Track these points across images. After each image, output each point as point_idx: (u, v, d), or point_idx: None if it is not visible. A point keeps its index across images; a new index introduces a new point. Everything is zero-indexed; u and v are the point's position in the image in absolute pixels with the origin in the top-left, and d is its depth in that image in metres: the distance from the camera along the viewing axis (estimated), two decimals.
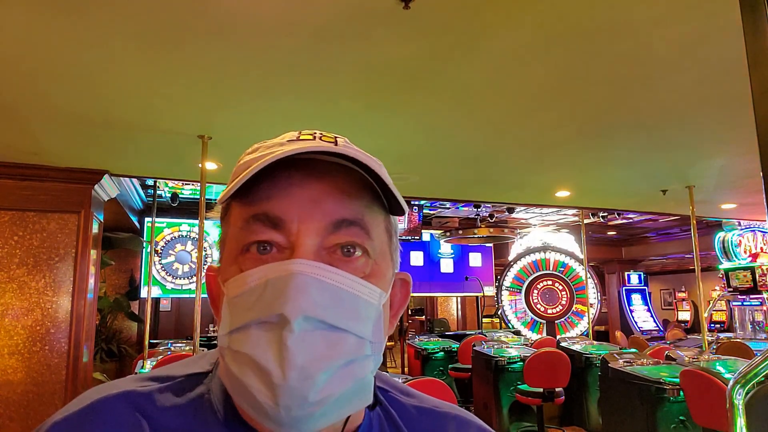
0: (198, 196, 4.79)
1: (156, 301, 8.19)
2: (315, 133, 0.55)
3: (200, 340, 4.47)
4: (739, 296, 8.81)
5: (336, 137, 0.55)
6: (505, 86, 2.66)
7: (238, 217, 0.54)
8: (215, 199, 7.07)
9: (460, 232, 8.37)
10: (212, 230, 7.81)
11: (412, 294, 0.69)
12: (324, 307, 0.48)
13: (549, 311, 9.64)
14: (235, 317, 0.50)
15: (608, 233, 10.92)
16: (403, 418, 0.64)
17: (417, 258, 9.43)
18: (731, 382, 1.43)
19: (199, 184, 3.88)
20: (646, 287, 12.36)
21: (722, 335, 8.33)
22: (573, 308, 9.62)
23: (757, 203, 5.78)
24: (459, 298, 10.73)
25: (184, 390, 0.57)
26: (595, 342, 6.63)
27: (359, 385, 0.50)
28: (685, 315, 12.58)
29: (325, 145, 0.52)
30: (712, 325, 10.36)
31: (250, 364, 0.47)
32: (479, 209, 7.93)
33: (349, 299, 0.50)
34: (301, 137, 0.55)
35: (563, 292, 9.70)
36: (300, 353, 0.46)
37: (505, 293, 9.72)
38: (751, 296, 8.60)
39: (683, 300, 12.75)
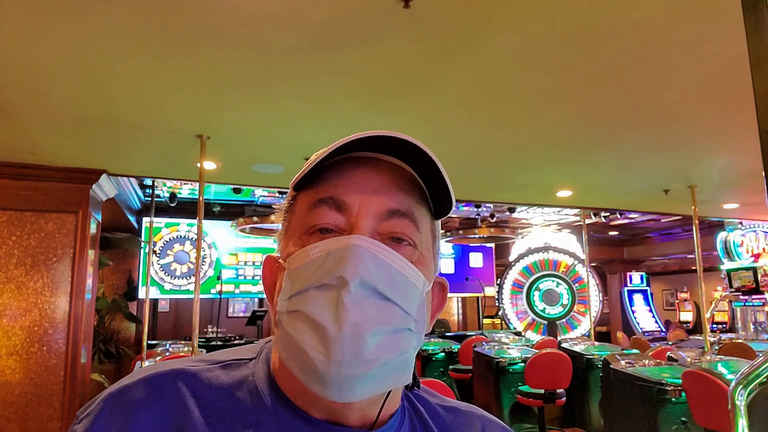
0: (197, 196, 4.77)
1: (154, 302, 8.17)
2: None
3: (199, 341, 4.46)
4: (741, 297, 8.78)
5: None
6: (507, 86, 2.64)
7: (304, 203, 0.60)
8: (214, 199, 7.07)
9: (461, 231, 8.35)
10: (211, 230, 7.82)
11: None
12: (378, 277, 0.53)
13: (550, 312, 9.61)
14: (295, 284, 0.55)
15: (610, 233, 10.89)
16: (431, 416, 0.68)
17: None
18: (733, 383, 1.41)
19: (197, 184, 3.87)
20: (648, 288, 12.33)
21: (724, 336, 8.29)
22: (575, 309, 9.60)
23: (759, 203, 5.76)
24: (459, 299, 10.71)
25: (230, 372, 0.62)
26: (596, 343, 6.61)
27: (403, 358, 0.54)
28: (687, 315, 12.55)
29: (389, 131, 0.57)
30: (714, 325, 10.33)
31: (306, 321, 0.52)
32: (480, 209, 7.91)
33: (398, 277, 0.55)
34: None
35: (565, 293, 9.67)
36: (354, 312, 0.51)
37: (507, 283, 9.67)
38: (754, 297, 8.58)
39: (685, 300, 12.72)
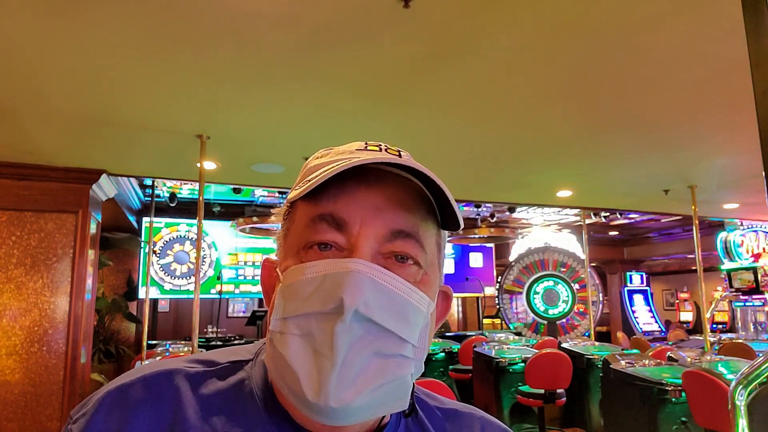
0: (196, 196, 4.77)
1: (154, 302, 8.17)
2: (381, 144, 0.60)
3: (199, 341, 4.46)
4: (741, 297, 8.78)
5: (399, 150, 0.60)
6: (507, 85, 2.64)
7: (303, 215, 0.57)
8: (214, 199, 7.07)
9: (461, 231, 8.33)
10: (211, 230, 7.81)
11: None
12: (376, 307, 0.51)
13: (550, 312, 9.61)
14: (289, 305, 0.53)
15: (610, 233, 10.90)
16: (429, 419, 0.66)
17: None
18: (733, 383, 1.42)
19: (197, 184, 3.87)
20: (648, 288, 12.33)
21: (724, 336, 8.29)
22: (575, 309, 9.59)
23: (759, 203, 5.76)
24: (459, 299, 10.71)
25: (227, 375, 0.61)
26: (596, 343, 6.60)
27: (396, 384, 0.52)
28: (687, 315, 12.54)
29: (392, 157, 0.56)
30: (714, 325, 10.32)
31: (298, 348, 0.51)
32: (480, 209, 7.91)
33: (400, 302, 0.53)
34: (368, 147, 0.59)
35: (565, 293, 9.67)
36: (347, 344, 0.49)
37: (507, 284, 9.67)
38: (754, 297, 8.58)
39: (685, 300, 12.71)
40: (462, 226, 0.59)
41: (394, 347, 0.52)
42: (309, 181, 0.56)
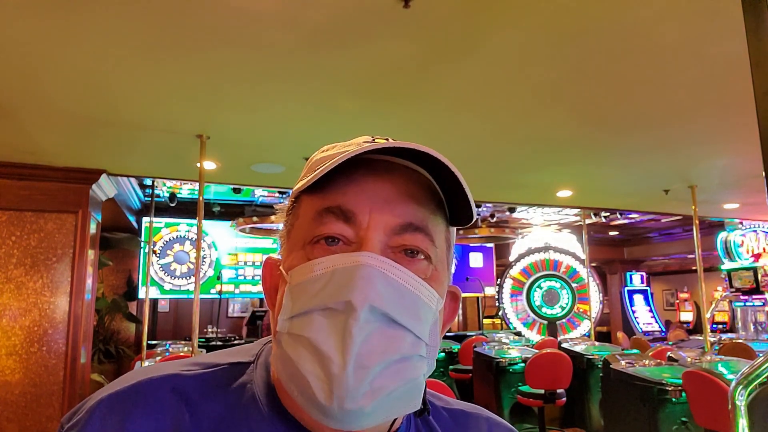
0: (196, 196, 4.77)
1: (154, 302, 8.17)
2: (388, 138, 0.58)
3: (199, 341, 4.46)
4: (741, 297, 8.77)
5: None
6: (506, 85, 2.64)
7: (309, 209, 0.55)
8: (214, 199, 7.07)
9: (461, 231, 8.34)
10: (211, 230, 7.81)
11: None
12: (388, 301, 0.49)
13: (543, 310, 9.60)
14: (297, 303, 0.51)
15: (610, 233, 10.89)
16: (437, 420, 0.66)
17: None
18: (733, 383, 1.41)
19: (197, 184, 3.86)
20: (648, 288, 12.33)
21: (725, 336, 8.29)
22: (575, 309, 9.58)
23: (759, 203, 5.75)
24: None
25: (228, 378, 0.58)
26: (596, 343, 6.60)
27: (411, 386, 0.50)
28: (687, 316, 12.54)
29: (404, 143, 0.53)
30: (715, 325, 10.32)
31: (309, 348, 0.48)
32: (480, 209, 7.91)
33: (410, 298, 0.51)
34: (375, 140, 0.57)
35: (565, 293, 9.67)
36: (362, 342, 0.47)
37: (507, 283, 9.63)
38: (754, 297, 8.57)
39: (685, 300, 12.71)
40: (475, 217, 0.57)
41: (409, 347, 0.50)
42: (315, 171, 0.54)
